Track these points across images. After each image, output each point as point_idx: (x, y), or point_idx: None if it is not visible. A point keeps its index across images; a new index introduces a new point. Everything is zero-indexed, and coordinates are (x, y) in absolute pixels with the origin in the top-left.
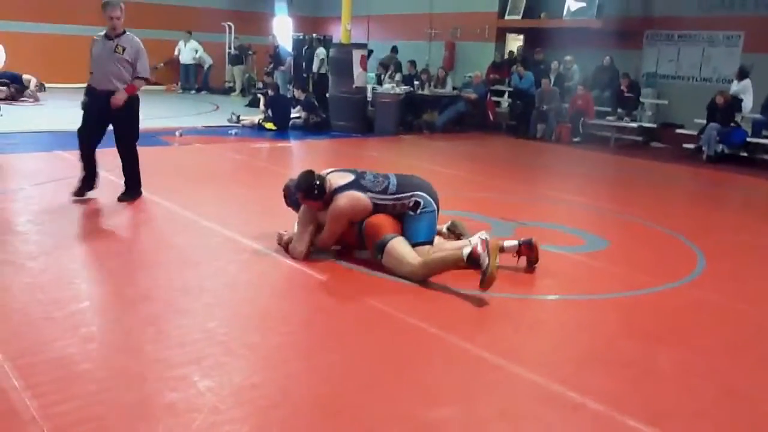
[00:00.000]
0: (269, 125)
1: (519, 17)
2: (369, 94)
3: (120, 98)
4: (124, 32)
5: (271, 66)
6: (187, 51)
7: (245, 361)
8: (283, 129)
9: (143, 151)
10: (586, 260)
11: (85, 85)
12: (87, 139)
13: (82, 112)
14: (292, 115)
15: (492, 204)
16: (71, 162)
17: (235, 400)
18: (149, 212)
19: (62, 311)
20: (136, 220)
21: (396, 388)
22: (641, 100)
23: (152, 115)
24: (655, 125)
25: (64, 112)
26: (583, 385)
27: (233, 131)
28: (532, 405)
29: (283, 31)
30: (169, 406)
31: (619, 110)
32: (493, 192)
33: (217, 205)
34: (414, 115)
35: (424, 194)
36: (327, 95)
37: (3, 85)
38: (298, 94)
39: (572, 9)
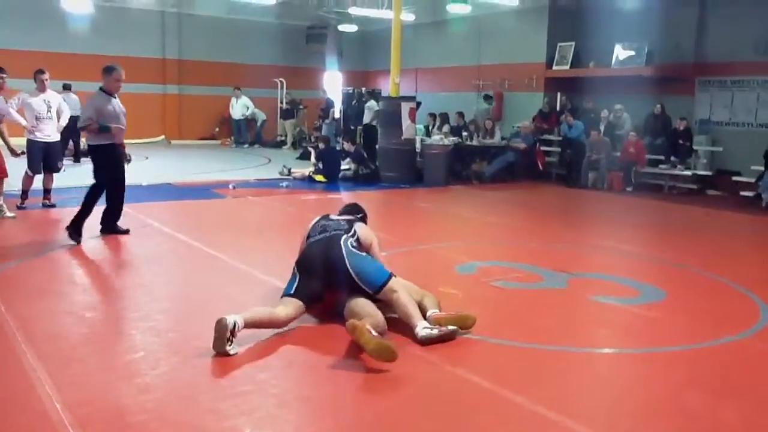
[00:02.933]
0: (319, 177)
1: (567, 67)
2: (418, 146)
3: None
4: None
5: (320, 120)
6: (239, 107)
7: (297, 413)
8: (333, 181)
9: (198, 204)
10: (642, 312)
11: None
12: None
13: (111, 168)
14: (342, 167)
15: (543, 254)
16: (129, 215)
17: None
18: (202, 263)
19: (118, 361)
20: (189, 271)
21: None
22: (695, 147)
23: (207, 168)
24: (710, 173)
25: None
26: None
27: (284, 184)
28: None
29: (334, 85)
30: None
31: (673, 158)
32: (544, 242)
33: (269, 256)
34: (463, 166)
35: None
36: (376, 147)
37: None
38: (348, 146)
39: (621, 57)
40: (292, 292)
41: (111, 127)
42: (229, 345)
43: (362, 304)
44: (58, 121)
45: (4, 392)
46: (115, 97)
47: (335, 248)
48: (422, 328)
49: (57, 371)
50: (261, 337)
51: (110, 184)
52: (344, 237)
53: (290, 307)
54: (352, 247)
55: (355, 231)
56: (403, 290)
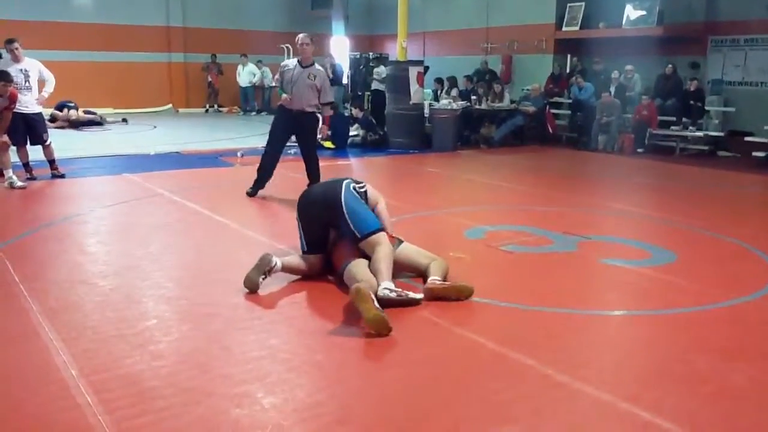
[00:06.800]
0: (328, 144)
1: (577, 28)
2: (426, 110)
3: (324, 128)
4: (313, 63)
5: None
6: (245, 74)
7: (308, 378)
8: (341, 147)
9: (207, 173)
10: (653, 274)
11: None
12: (275, 148)
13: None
14: (351, 134)
15: (554, 218)
16: (138, 184)
17: (299, 416)
18: (214, 231)
19: (131, 329)
20: (201, 238)
21: (460, 405)
22: (707, 108)
23: (215, 137)
24: (722, 133)
25: (131, 136)
26: (654, 403)
27: (292, 151)
28: (601, 423)
29: (341, 50)
30: (234, 422)
31: (684, 119)
32: (555, 205)
33: (280, 223)
34: (472, 130)
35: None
36: (384, 112)
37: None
38: (356, 112)
39: (632, 17)
40: (305, 249)
41: (284, 94)
42: (262, 279)
43: (362, 268)
44: (40, 91)
45: (22, 361)
46: (307, 66)
47: (335, 188)
48: (382, 288)
49: (72, 340)
50: (272, 305)
51: (300, 148)
52: (347, 181)
53: (312, 258)
54: (354, 190)
55: (364, 184)
56: (386, 247)
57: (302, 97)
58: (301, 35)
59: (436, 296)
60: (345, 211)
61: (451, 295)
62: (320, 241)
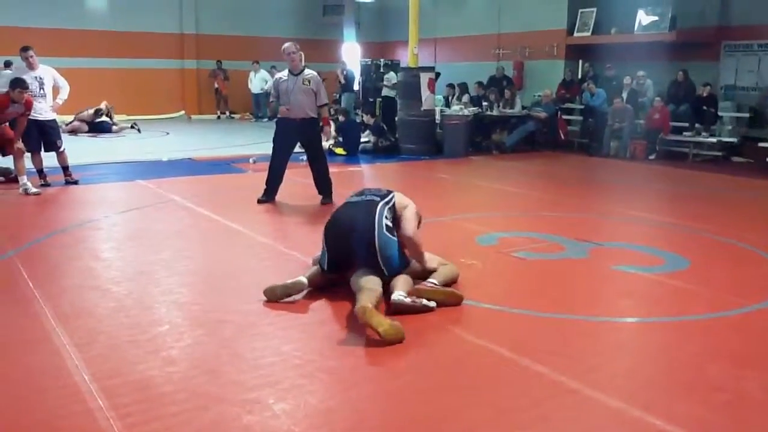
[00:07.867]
0: (339, 150)
1: (589, 33)
2: (437, 117)
3: (328, 130)
4: (304, 68)
5: (340, 92)
6: (257, 81)
7: (320, 384)
8: (353, 154)
9: (219, 179)
10: (666, 281)
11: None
12: (280, 158)
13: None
14: (362, 140)
15: (565, 224)
16: (151, 190)
17: (310, 423)
18: (226, 237)
19: (144, 335)
20: (213, 245)
21: (472, 411)
22: (720, 113)
23: (227, 143)
24: (735, 139)
25: (144, 143)
26: (667, 411)
27: (304, 157)
28: (612, 430)
29: (352, 57)
30: (245, 428)
31: (697, 125)
32: (567, 212)
33: (292, 230)
34: (483, 136)
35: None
36: (396, 119)
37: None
38: (367, 118)
39: (644, 23)
40: (326, 269)
41: (278, 107)
42: (285, 298)
43: (368, 276)
44: (54, 98)
45: (36, 365)
46: (299, 74)
47: (369, 219)
48: (397, 294)
49: (85, 344)
50: (284, 311)
51: (308, 155)
52: (380, 205)
53: (332, 276)
54: (386, 229)
55: (392, 197)
56: (407, 272)
57: (302, 105)
58: (286, 45)
59: (424, 297)
60: (378, 254)
61: (437, 298)
62: (345, 265)
